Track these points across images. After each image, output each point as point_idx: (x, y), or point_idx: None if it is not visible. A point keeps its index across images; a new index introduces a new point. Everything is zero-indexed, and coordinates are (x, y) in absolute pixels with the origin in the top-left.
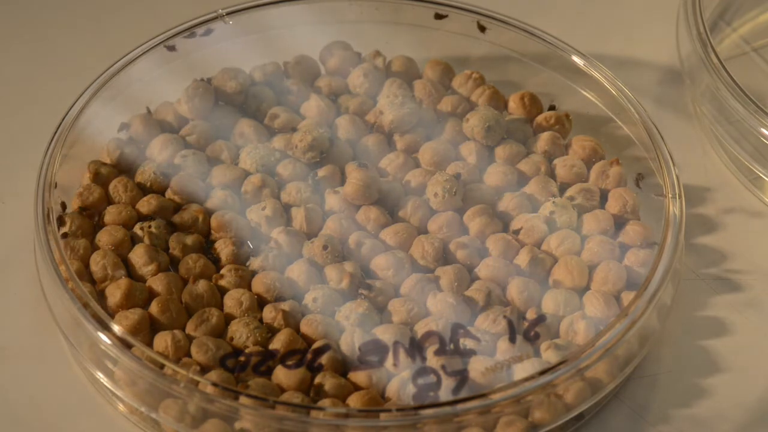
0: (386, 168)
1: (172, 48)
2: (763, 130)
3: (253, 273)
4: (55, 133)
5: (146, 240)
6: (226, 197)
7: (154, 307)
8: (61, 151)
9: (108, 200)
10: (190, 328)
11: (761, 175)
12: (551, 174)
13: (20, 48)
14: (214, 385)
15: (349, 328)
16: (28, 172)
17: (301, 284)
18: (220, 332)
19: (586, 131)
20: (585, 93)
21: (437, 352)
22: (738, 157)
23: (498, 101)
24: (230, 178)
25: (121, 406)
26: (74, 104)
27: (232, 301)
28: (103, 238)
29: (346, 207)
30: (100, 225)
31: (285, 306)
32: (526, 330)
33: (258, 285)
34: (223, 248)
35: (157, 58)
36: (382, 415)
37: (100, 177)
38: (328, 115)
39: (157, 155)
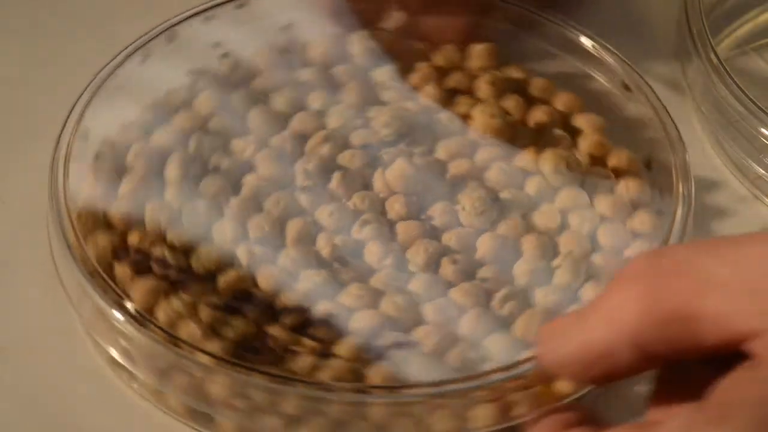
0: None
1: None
2: (763, 130)
3: None
4: (63, 129)
5: None
6: None
7: None
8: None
9: None
10: None
11: (761, 175)
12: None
13: (18, 46)
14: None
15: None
16: (27, 173)
17: None
18: None
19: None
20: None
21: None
22: (738, 157)
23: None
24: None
25: (135, 384)
26: (79, 99)
27: None
28: None
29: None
30: None
31: None
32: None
33: None
34: None
35: (162, 50)
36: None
37: None
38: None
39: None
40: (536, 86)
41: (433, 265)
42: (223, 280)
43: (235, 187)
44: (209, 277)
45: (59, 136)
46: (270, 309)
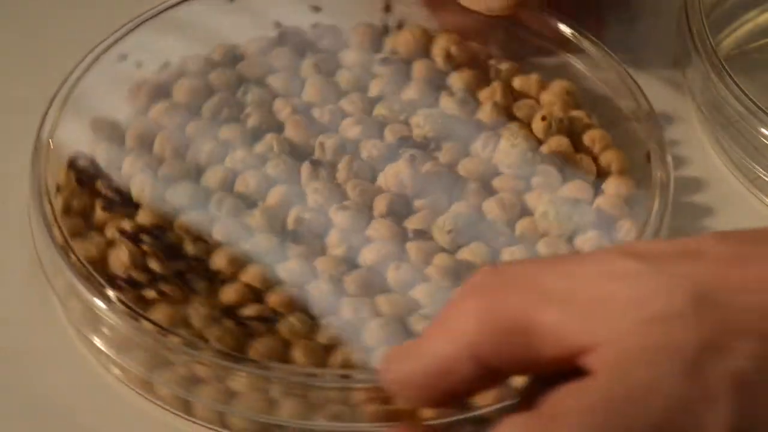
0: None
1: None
2: (763, 130)
3: None
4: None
5: None
6: None
7: None
8: (60, 112)
9: None
10: None
11: (761, 175)
12: None
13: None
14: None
15: None
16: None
17: None
18: None
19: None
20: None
21: None
22: (738, 157)
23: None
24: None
25: (116, 371)
26: (74, 70)
27: None
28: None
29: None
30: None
31: None
32: None
33: None
34: None
35: (157, 30)
36: None
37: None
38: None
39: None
40: (590, 136)
41: (380, 267)
42: (179, 221)
43: (255, 140)
44: (174, 214)
45: (46, 112)
46: (201, 259)
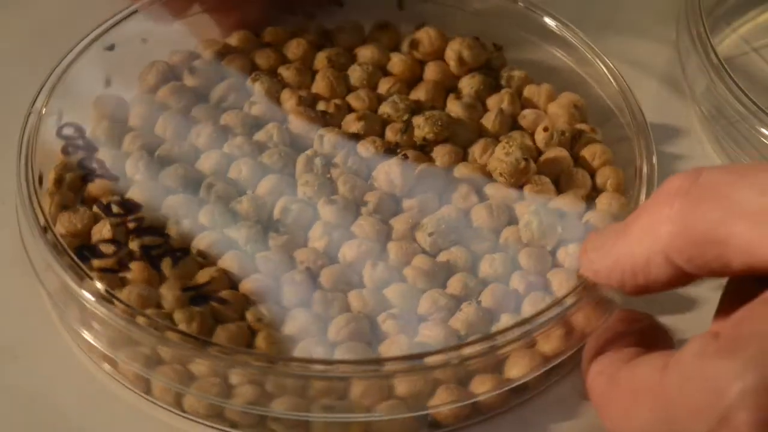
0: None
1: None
2: (763, 130)
3: None
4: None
5: None
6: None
7: None
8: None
9: None
10: None
11: None
12: None
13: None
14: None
15: None
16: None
17: None
18: None
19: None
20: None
21: None
22: (738, 156)
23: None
24: None
25: (106, 365)
26: (65, 57)
27: None
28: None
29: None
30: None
31: None
32: None
33: None
34: None
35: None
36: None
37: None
38: None
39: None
40: (590, 150)
41: (358, 263)
42: (165, 202)
43: (256, 128)
44: (163, 195)
45: (34, 100)
46: (168, 235)
